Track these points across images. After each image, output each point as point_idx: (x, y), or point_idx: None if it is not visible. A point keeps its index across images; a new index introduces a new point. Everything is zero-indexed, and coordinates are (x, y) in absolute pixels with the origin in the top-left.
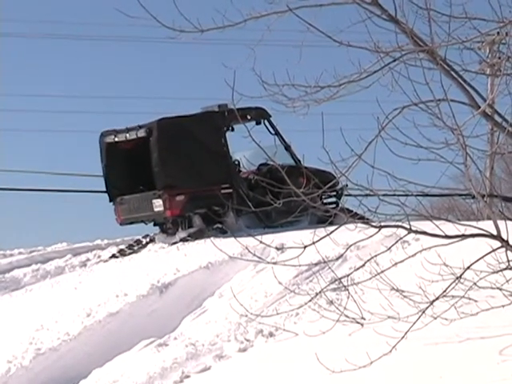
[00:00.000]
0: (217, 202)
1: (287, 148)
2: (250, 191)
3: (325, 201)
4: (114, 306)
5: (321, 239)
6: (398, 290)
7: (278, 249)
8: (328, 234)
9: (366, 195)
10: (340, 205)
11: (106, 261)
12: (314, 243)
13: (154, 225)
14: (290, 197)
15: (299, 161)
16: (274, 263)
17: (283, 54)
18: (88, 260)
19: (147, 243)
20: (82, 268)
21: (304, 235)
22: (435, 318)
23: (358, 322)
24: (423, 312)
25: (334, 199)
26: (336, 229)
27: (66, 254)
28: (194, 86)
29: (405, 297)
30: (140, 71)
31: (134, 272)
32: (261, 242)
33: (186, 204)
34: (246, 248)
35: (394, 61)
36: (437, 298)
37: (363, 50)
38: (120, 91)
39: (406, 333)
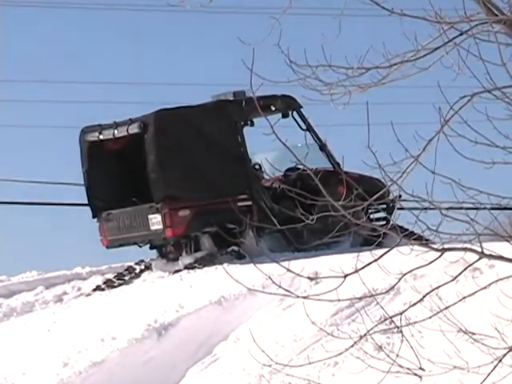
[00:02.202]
0: (232, 217)
1: (322, 148)
2: (275, 204)
3: (371, 216)
4: (98, 353)
5: (366, 266)
6: (466, 333)
7: (310, 279)
8: (375, 260)
9: (425, 209)
10: (391, 221)
11: (89, 294)
12: (357, 271)
13: (151, 248)
14: (326, 211)
15: (338, 164)
16: (306, 297)
17: (318, 26)
18: (65, 294)
19: (142, 271)
20: (56, 304)
21: (345, 261)
22: None
23: (415, 374)
24: (500, 361)
25: (383, 214)
26: (386, 252)
27: (36, 285)
28: (201, 68)
29: (476, 341)
30: (134, 51)
31: (125, 309)
32: (288, 269)
33: (191, 221)
34: (270, 278)
35: (461, 34)
36: None
37: (421, 21)
38: (109, 75)
39: None
